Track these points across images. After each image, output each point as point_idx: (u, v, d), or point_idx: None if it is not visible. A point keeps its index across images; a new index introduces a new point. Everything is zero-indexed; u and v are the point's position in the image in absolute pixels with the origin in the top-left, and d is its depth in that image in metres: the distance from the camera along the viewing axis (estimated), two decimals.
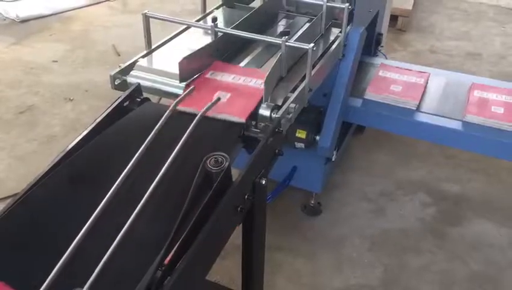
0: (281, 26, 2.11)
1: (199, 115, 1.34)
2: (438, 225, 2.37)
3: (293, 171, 2.30)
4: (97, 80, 3.43)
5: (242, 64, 1.74)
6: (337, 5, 1.93)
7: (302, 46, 1.58)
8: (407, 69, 2.44)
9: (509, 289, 2.06)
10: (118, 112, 1.42)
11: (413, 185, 2.60)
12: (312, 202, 2.42)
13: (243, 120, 1.39)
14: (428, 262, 2.17)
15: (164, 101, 1.69)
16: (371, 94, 2.24)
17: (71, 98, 3.26)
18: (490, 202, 2.50)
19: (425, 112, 2.16)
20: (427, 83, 2.34)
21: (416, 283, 2.08)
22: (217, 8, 2.18)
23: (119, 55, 3.77)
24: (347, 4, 1.87)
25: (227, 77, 1.58)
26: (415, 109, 2.17)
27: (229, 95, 1.49)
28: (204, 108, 1.38)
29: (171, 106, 1.39)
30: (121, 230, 1.03)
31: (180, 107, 1.41)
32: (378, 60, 2.58)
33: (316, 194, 2.40)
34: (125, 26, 4.18)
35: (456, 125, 2.09)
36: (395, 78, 2.35)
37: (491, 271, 2.13)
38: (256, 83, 1.54)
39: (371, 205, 2.48)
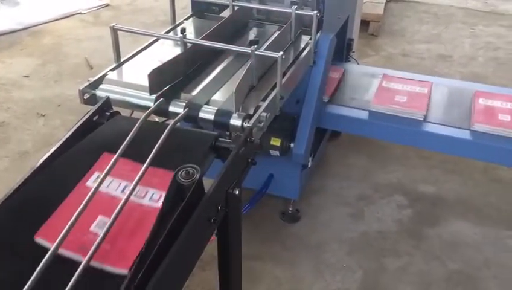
0: (252, 34, 2.11)
1: (170, 126, 1.33)
2: (415, 226, 2.39)
3: (269, 179, 2.30)
4: (70, 93, 3.38)
5: (213, 74, 1.73)
6: (306, 13, 1.95)
7: (271, 55, 1.58)
8: (409, 79, 2.43)
9: (485, 287, 2.09)
10: (88, 127, 1.40)
11: (390, 188, 2.62)
12: (290, 209, 2.43)
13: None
14: (406, 264, 2.19)
15: (137, 114, 1.68)
16: (376, 106, 2.22)
17: (43, 114, 3.21)
18: (465, 201, 2.54)
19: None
20: (430, 92, 2.33)
21: (394, 285, 2.10)
22: (187, 18, 2.18)
23: (91, 68, 3.73)
24: (315, 12, 1.89)
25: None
26: (422, 119, 2.15)
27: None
28: (175, 119, 1.37)
29: (141, 119, 1.37)
30: (89, 249, 1.01)
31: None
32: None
33: (293, 201, 2.41)
34: (97, 39, 4.14)
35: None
36: (398, 89, 2.34)
37: (468, 270, 2.16)
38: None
39: (349, 209, 2.50)
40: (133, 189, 1.11)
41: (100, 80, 1.63)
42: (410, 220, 2.42)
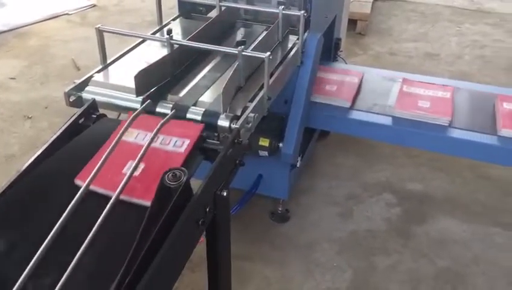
0: (239, 35, 2.11)
1: (156, 129, 1.32)
2: (404, 224, 2.40)
3: (258, 179, 2.30)
4: (57, 95, 3.35)
5: (200, 75, 1.73)
6: (293, 13, 1.95)
7: (258, 56, 1.58)
8: (430, 83, 2.40)
9: (473, 284, 2.10)
10: (74, 130, 1.39)
11: (378, 187, 2.64)
12: (280, 209, 2.43)
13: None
14: (395, 262, 2.20)
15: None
16: (399, 111, 2.19)
17: (30, 116, 3.18)
18: (453, 199, 2.56)
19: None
20: (453, 96, 2.30)
21: (384, 283, 2.11)
22: (174, 19, 2.17)
23: (79, 69, 3.70)
24: (302, 11, 1.89)
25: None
26: (447, 125, 2.12)
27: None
28: (161, 122, 1.36)
29: (128, 121, 1.36)
30: (76, 253, 1.00)
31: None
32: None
33: (283, 201, 2.41)
34: (84, 40, 4.11)
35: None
36: (420, 94, 2.30)
37: (456, 267, 2.17)
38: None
39: (338, 208, 2.50)
40: (155, 135, 1.29)
41: (86, 82, 1.61)
42: (399, 219, 2.43)
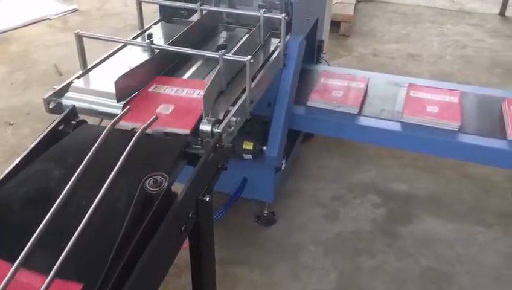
0: (221, 38, 2.10)
1: (137, 134, 1.31)
2: (389, 224, 2.42)
3: (243, 182, 2.29)
4: (38, 101, 3.23)
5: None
6: (274, 16, 1.95)
7: (239, 59, 1.58)
8: (436, 88, 2.39)
9: (458, 283, 2.12)
10: (54, 137, 1.37)
11: (363, 187, 2.65)
12: (265, 211, 2.42)
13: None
14: (381, 262, 2.21)
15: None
16: (408, 117, 2.17)
17: (11, 122, 3.14)
18: (437, 199, 2.58)
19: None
20: (461, 101, 2.28)
21: (369, 284, 2.11)
22: (155, 23, 2.15)
23: (61, 74, 3.67)
24: (284, 14, 1.89)
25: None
26: (457, 130, 2.11)
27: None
28: (144, 125, 1.35)
29: (108, 127, 1.35)
30: (55, 262, 0.99)
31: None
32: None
33: (268, 204, 2.41)
34: (66, 45, 4.07)
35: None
36: (427, 99, 2.29)
37: (441, 266, 2.19)
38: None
39: (324, 210, 2.51)
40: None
41: (66, 88, 1.59)
42: (384, 219, 2.45)
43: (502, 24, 4.65)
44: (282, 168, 2.25)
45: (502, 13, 4.82)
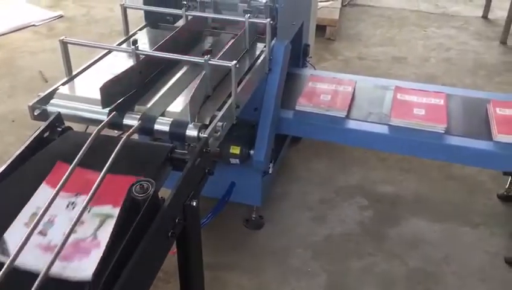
0: (207, 44, 2.11)
1: (123, 139, 1.31)
2: (376, 226, 2.43)
3: (231, 187, 2.30)
4: (24, 108, 3.21)
5: (168, 85, 1.72)
6: (259, 21, 1.96)
7: (225, 64, 1.58)
8: (423, 90, 2.40)
9: (445, 283, 2.14)
10: (39, 144, 1.36)
11: (350, 190, 2.66)
12: (254, 215, 2.43)
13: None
14: (369, 264, 2.23)
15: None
16: (395, 120, 2.19)
17: None
18: (423, 200, 2.60)
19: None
20: (447, 103, 2.31)
21: (358, 286, 2.13)
22: (141, 29, 2.15)
23: (47, 81, 3.64)
24: (268, 19, 1.90)
25: None
26: (443, 132, 2.12)
27: None
28: (129, 132, 1.35)
29: (94, 133, 1.34)
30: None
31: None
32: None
33: (256, 208, 2.41)
34: (51, 51, 4.04)
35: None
36: (414, 101, 2.31)
37: (428, 267, 2.21)
38: None
39: (312, 213, 2.52)
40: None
41: (51, 95, 1.59)
42: (372, 221, 2.46)
43: (485, 27, 4.72)
44: (270, 172, 2.26)
45: (485, 16, 4.88)
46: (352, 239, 2.36)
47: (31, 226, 1.03)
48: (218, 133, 1.49)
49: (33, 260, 1.01)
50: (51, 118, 1.43)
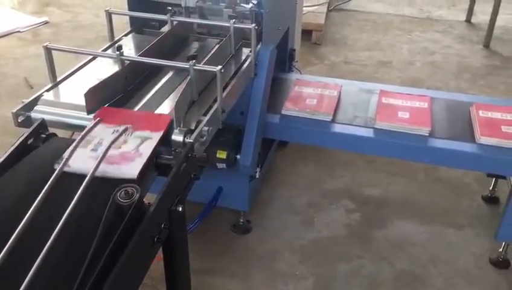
0: (192, 49, 2.11)
1: (107, 146, 1.31)
2: (363, 229, 2.45)
3: (218, 192, 2.30)
4: (9, 115, 3.20)
5: (153, 90, 1.72)
6: (244, 26, 1.97)
7: (210, 69, 1.59)
8: (407, 94, 2.42)
9: (431, 284, 2.16)
10: (23, 151, 1.35)
11: (337, 193, 2.68)
12: (241, 220, 2.43)
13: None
14: (356, 267, 2.24)
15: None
16: (380, 123, 2.20)
17: None
18: (409, 202, 2.63)
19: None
20: (431, 106, 2.33)
21: (346, 289, 2.13)
22: (126, 35, 2.15)
23: (32, 87, 3.61)
24: (253, 24, 1.91)
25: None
26: (427, 135, 2.14)
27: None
28: (113, 138, 1.35)
29: (78, 139, 1.34)
30: (26, 276, 0.98)
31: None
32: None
33: (244, 213, 2.41)
34: (37, 58, 4.00)
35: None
36: (398, 105, 2.33)
37: (415, 269, 2.22)
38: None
39: (299, 216, 2.53)
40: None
41: (35, 101, 1.58)
42: (359, 224, 2.48)
43: (468, 30, 4.78)
44: (257, 177, 2.26)
45: (468, 20, 4.95)
46: (340, 242, 2.37)
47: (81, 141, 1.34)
48: (204, 138, 1.49)
49: (86, 165, 1.26)
50: (35, 125, 1.42)
